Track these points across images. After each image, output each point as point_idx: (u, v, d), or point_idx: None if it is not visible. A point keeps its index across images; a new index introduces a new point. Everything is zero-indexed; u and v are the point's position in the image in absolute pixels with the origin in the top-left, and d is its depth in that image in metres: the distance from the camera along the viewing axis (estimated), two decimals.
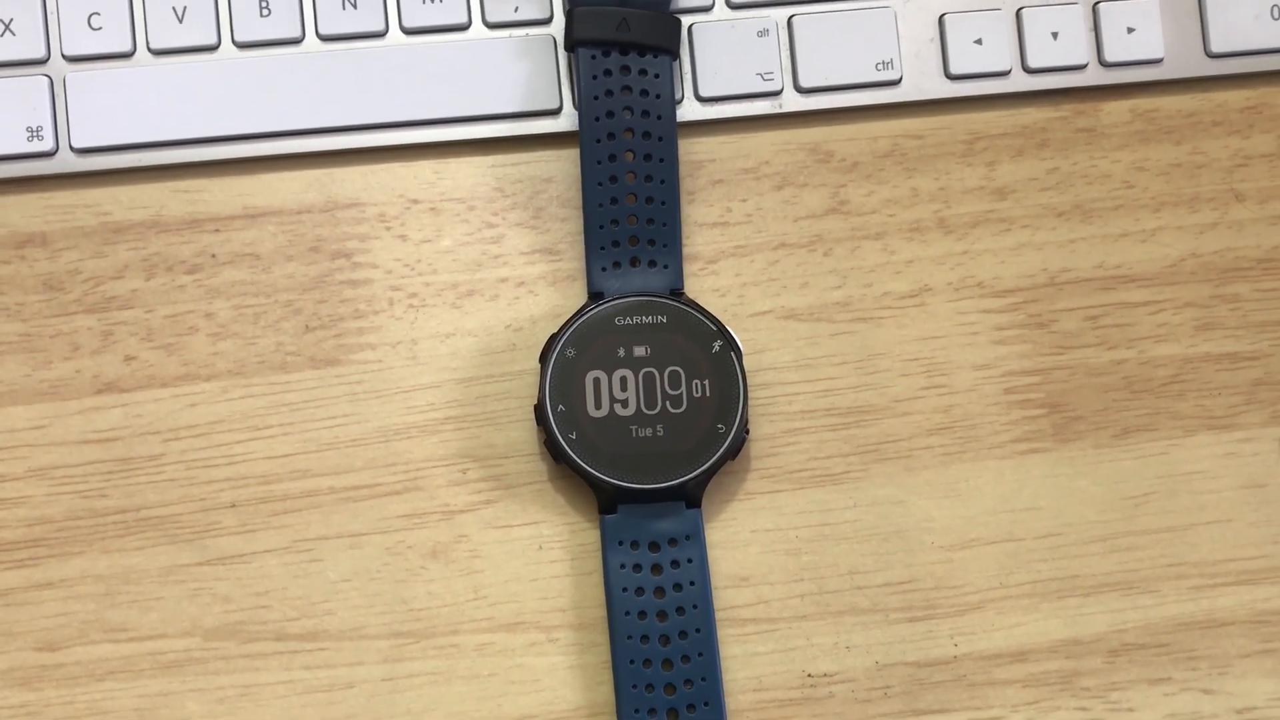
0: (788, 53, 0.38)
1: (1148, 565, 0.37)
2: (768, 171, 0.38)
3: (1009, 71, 0.38)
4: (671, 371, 0.35)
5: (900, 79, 0.38)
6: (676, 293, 0.36)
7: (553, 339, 0.35)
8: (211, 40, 0.37)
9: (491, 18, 0.37)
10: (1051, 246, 0.38)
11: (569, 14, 0.36)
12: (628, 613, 0.35)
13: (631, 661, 0.34)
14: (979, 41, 0.38)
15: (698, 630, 0.35)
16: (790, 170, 0.38)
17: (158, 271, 0.37)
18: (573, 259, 0.37)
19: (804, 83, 0.38)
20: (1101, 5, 0.38)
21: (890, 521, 0.36)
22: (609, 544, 0.35)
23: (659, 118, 0.37)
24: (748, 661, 0.36)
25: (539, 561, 0.36)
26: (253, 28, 0.37)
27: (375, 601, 0.35)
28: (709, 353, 0.35)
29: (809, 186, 0.38)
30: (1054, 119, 0.39)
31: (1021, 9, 0.38)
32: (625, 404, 0.35)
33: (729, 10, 0.38)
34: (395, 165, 0.38)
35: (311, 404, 0.36)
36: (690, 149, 0.38)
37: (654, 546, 0.35)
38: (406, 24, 0.37)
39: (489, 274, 0.37)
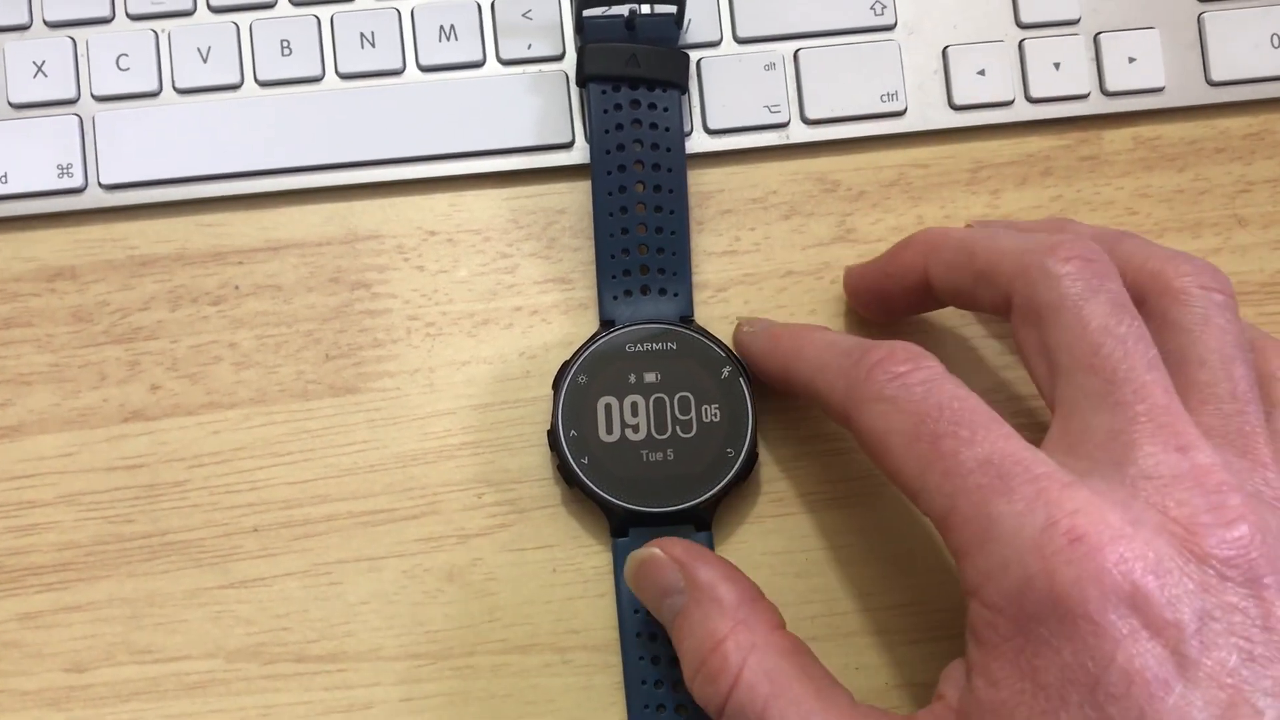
0: (794, 85, 0.39)
1: None
2: (775, 201, 0.39)
3: (1012, 101, 0.39)
4: (681, 397, 0.36)
5: (905, 110, 0.39)
6: (686, 320, 0.37)
7: (565, 366, 0.36)
8: (235, 79, 0.38)
9: (505, 55, 0.39)
10: None
11: (581, 51, 0.37)
12: (639, 634, 0.35)
13: (643, 682, 0.35)
14: (982, 72, 0.39)
15: None
16: (798, 200, 0.39)
17: (183, 303, 0.38)
18: (585, 288, 0.38)
19: (810, 114, 0.39)
20: (1102, 36, 0.39)
21: (899, 544, 0.37)
22: (621, 566, 0.35)
23: (668, 150, 0.37)
24: None
25: (553, 584, 0.37)
26: (274, 67, 0.38)
27: (393, 623, 0.36)
28: (718, 378, 0.36)
29: (816, 215, 0.39)
30: (1057, 147, 0.39)
31: (1023, 40, 0.39)
32: (636, 429, 0.35)
33: (736, 45, 0.39)
34: (413, 198, 0.39)
35: (331, 431, 0.37)
36: (699, 180, 0.39)
37: None
38: (423, 62, 0.38)
39: (504, 303, 0.38)
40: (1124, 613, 0.25)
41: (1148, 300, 0.30)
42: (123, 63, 0.38)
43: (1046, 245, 0.30)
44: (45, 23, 0.38)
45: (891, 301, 0.35)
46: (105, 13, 0.38)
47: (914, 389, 0.29)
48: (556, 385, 0.36)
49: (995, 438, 0.27)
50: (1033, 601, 0.25)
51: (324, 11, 0.38)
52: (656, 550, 0.33)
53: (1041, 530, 0.26)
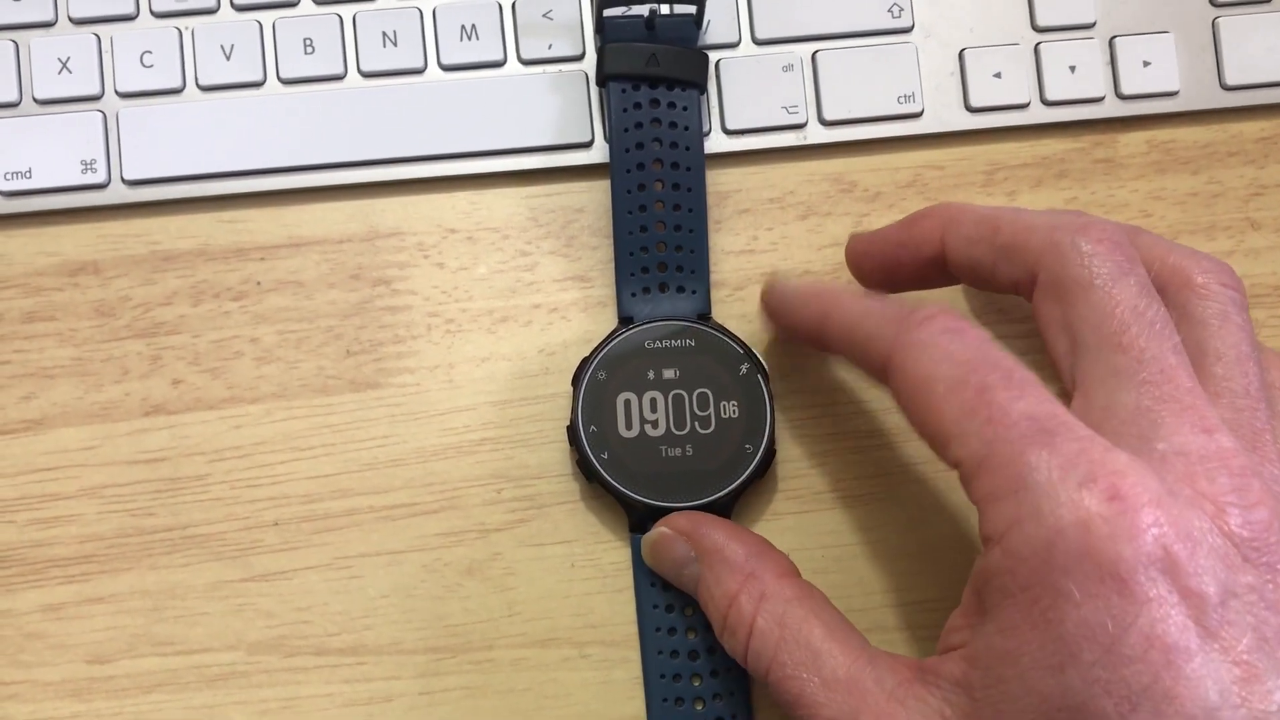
0: (812, 87, 0.39)
1: None
2: (793, 201, 0.39)
3: (1028, 104, 0.39)
4: (700, 393, 0.36)
5: (921, 111, 0.39)
6: (704, 317, 0.37)
7: (584, 362, 0.36)
8: (258, 77, 0.38)
9: (526, 55, 0.39)
10: None
11: (601, 50, 0.38)
12: (658, 629, 0.35)
13: (662, 676, 0.35)
14: (998, 75, 0.39)
15: None
16: (815, 200, 0.39)
17: (205, 298, 0.38)
18: (603, 286, 0.39)
19: (828, 115, 0.39)
20: (1118, 40, 0.40)
21: (916, 540, 0.37)
22: (640, 561, 0.36)
23: (687, 149, 0.38)
24: None
25: (572, 579, 0.37)
26: (297, 65, 0.38)
27: (413, 617, 0.36)
28: (736, 375, 0.36)
29: (833, 216, 0.39)
30: (1072, 150, 0.40)
31: (1039, 44, 0.39)
32: (655, 425, 0.36)
33: (755, 46, 0.39)
34: (434, 196, 0.39)
35: (352, 426, 0.37)
36: (717, 179, 0.39)
37: None
38: (445, 61, 0.39)
39: (523, 300, 0.38)
40: (1153, 576, 0.25)
41: (1167, 293, 0.30)
42: (146, 60, 0.38)
43: (1078, 224, 0.30)
44: (70, 20, 0.38)
45: (899, 272, 0.35)
46: (129, 10, 0.38)
47: (969, 343, 0.29)
48: (576, 381, 0.36)
49: (1043, 399, 0.27)
50: (1062, 552, 0.25)
51: (346, 10, 0.39)
52: (664, 528, 0.35)
53: (1080, 484, 0.26)
